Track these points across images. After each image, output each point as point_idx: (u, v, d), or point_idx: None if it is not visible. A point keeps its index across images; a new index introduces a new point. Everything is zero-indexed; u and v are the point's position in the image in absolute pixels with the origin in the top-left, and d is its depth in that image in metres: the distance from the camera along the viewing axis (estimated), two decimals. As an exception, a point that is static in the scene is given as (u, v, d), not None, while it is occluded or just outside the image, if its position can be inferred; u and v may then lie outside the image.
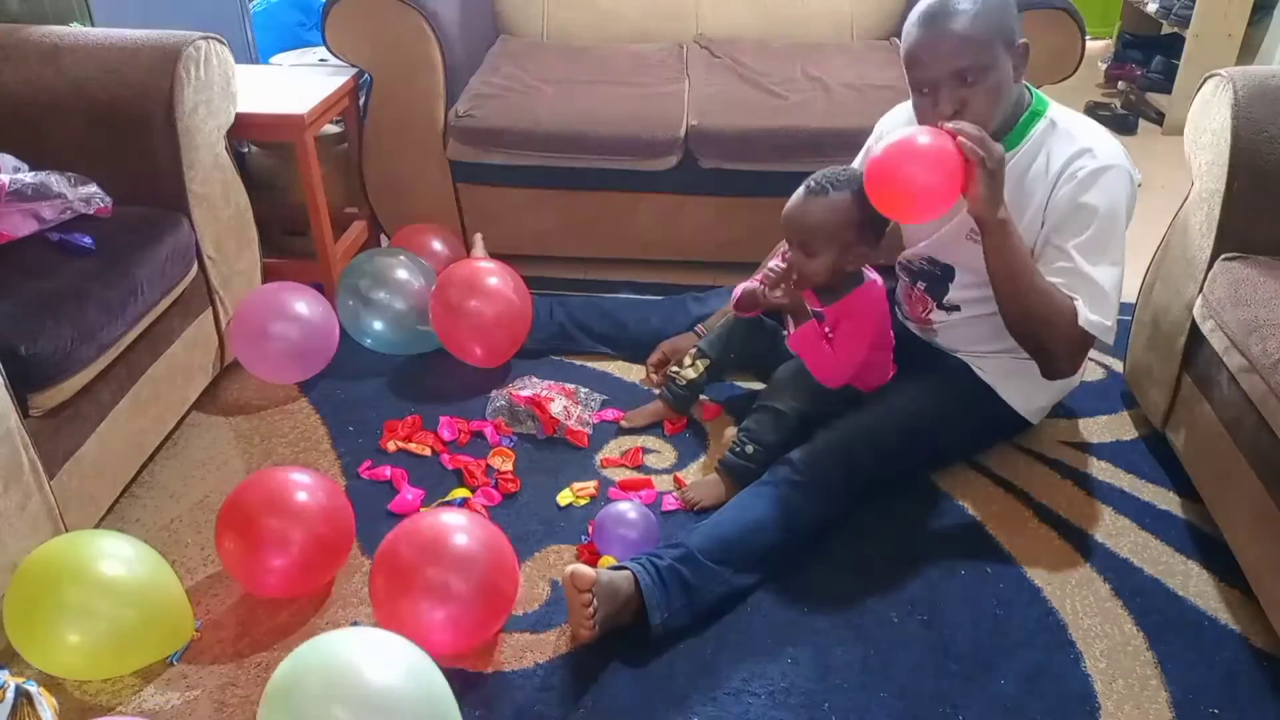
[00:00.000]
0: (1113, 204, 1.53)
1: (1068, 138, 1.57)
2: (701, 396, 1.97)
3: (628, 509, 1.61)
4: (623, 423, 1.94)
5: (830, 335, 1.72)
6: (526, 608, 1.54)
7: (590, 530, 1.65)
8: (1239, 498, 1.52)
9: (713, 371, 1.90)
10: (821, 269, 1.66)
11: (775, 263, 1.73)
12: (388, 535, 1.43)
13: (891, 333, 1.80)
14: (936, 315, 1.79)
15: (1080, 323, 1.52)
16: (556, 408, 1.91)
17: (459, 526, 1.42)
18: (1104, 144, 1.55)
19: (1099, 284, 1.53)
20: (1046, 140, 1.59)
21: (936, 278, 1.76)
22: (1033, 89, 1.64)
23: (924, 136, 1.45)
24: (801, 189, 1.67)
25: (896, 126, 1.73)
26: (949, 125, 1.45)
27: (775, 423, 1.75)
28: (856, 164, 1.83)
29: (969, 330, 1.74)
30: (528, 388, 1.97)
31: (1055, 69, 2.22)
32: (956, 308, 1.75)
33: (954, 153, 1.43)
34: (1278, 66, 2.88)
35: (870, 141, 1.86)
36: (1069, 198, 1.54)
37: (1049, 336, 1.56)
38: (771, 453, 1.72)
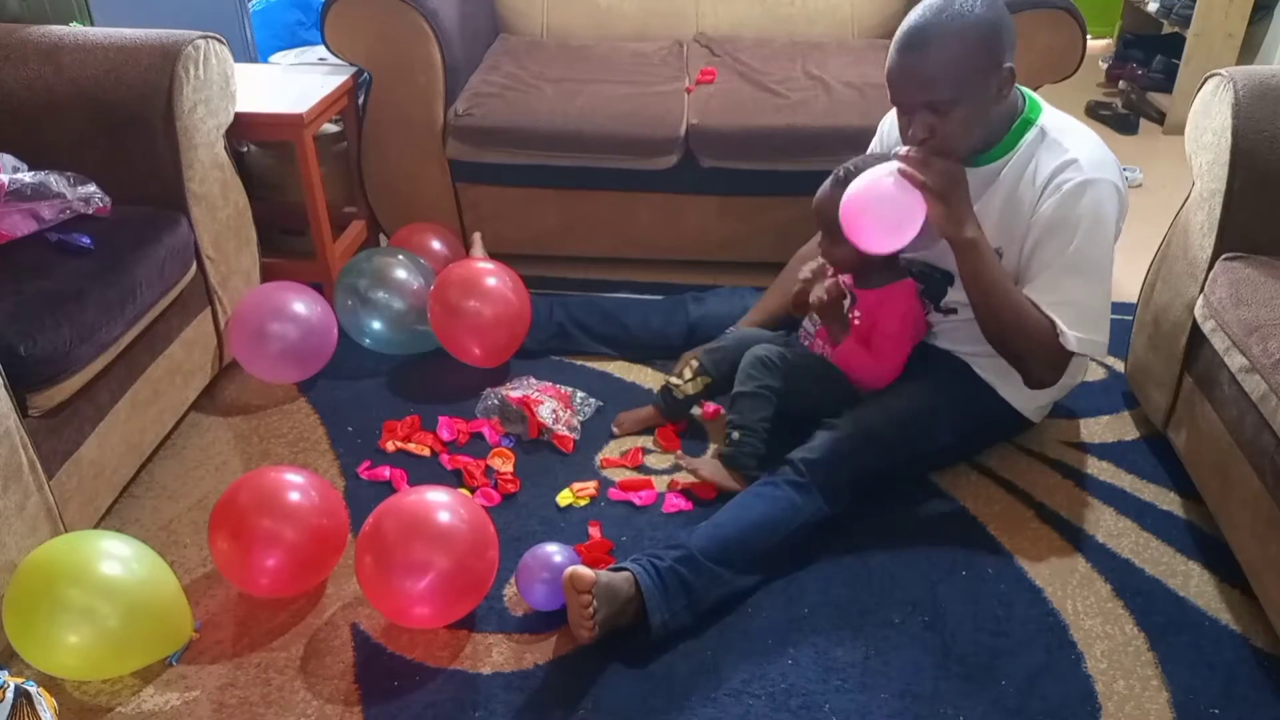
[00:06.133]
0: (1096, 218, 1.53)
1: (1056, 147, 1.57)
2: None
3: (553, 552, 1.52)
4: (614, 428, 1.93)
5: (858, 320, 1.76)
6: (526, 609, 1.54)
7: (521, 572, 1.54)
8: (1240, 498, 1.52)
9: (712, 389, 1.88)
10: (850, 254, 1.70)
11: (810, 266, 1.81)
12: (371, 513, 1.47)
13: (923, 329, 1.81)
14: (934, 317, 1.80)
15: (1060, 341, 1.56)
16: (545, 411, 1.89)
17: (440, 503, 1.46)
18: (1091, 154, 1.55)
19: (1081, 300, 1.56)
20: (1036, 150, 1.59)
21: (935, 280, 1.77)
22: (1027, 94, 1.64)
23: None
24: (830, 179, 1.71)
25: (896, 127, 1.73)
26: (900, 151, 1.52)
27: (753, 404, 1.75)
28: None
29: (966, 332, 1.74)
30: (520, 388, 1.97)
31: (1056, 68, 2.22)
32: (954, 310, 1.76)
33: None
34: (1278, 66, 2.88)
35: (873, 143, 1.88)
36: (1053, 211, 1.55)
37: (1025, 350, 1.60)
38: (760, 434, 1.74)
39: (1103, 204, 1.53)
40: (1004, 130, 1.60)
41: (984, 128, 1.57)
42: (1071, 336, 1.55)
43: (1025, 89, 1.65)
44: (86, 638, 1.33)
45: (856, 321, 1.77)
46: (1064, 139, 1.57)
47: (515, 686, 1.42)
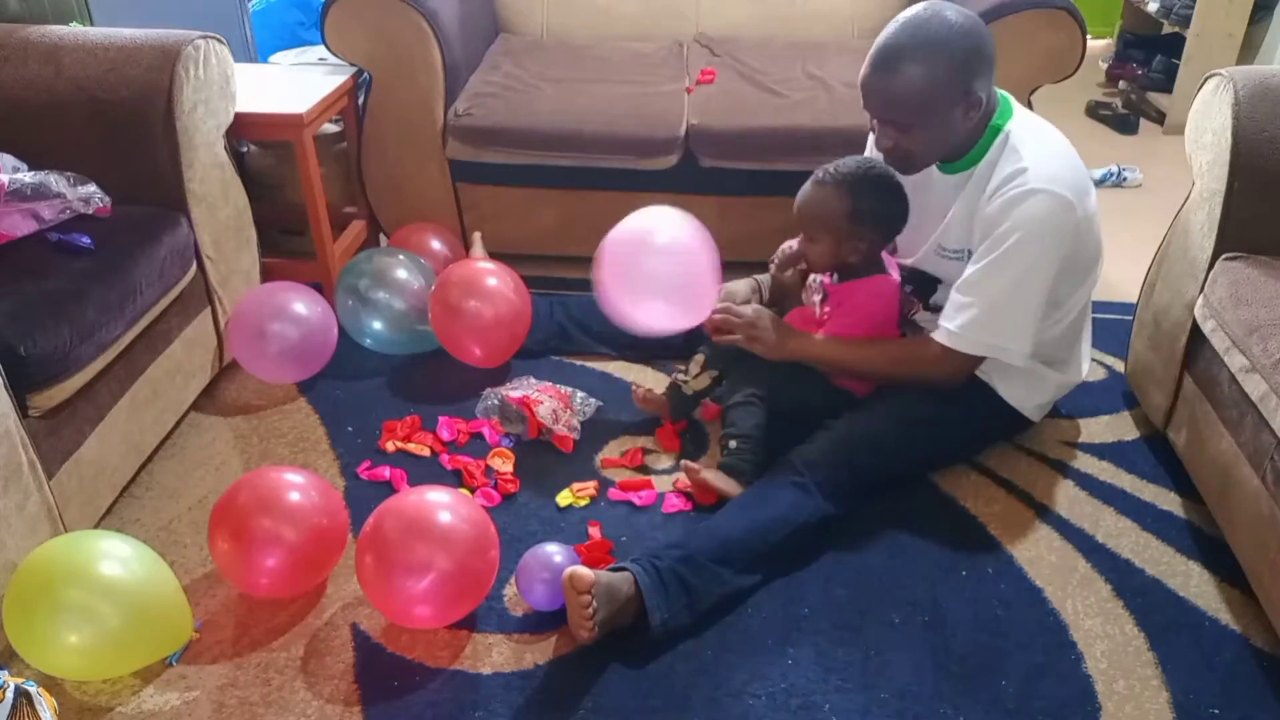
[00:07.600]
0: (1029, 228, 1.53)
1: (1013, 155, 1.58)
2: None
3: (554, 552, 1.53)
4: (634, 389, 1.93)
5: (825, 315, 1.78)
6: (526, 609, 1.54)
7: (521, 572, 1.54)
8: (1240, 498, 1.52)
9: (720, 382, 1.89)
10: (823, 255, 1.75)
11: (791, 243, 1.86)
12: (372, 513, 1.47)
13: (896, 332, 1.81)
14: (923, 316, 1.81)
15: (944, 343, 1.62)
16: (544, 411, 1.89)
17: (441, 503, 1.46)
18: (1044, 165, 1.55)
19: (993, 303, 1.59)
20: (998, 157, 1.60)
21: (925, 280, 1.79)
22: (1002, 95, 1.64)
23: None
24: (811, 179, 1.75)
25: None
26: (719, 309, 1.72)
27: (744, 414, 1.77)
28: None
29: None
30: (520, 388, 1.97)
31: (1056, 68, 2.21)
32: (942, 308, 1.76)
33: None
34: (1278, 66, 2.88)
35: (869, 145, 1.88)
36: (991, 215, 1.57)
37: (918, 378, 1.70)
38: (756, 440, 1.75)
39: (1039, 214, 1.53)
40: (975, 139, 1.62)
41: (948, 145, 1.61)
42: (960, 336, 1.60)
43: (1001, 90, 1.65)
44: (86, 638, 1.33)
45: (825, 316, 1.78)
46: (1023, 147, 1.57)
47: (515, 686, 1.42)
